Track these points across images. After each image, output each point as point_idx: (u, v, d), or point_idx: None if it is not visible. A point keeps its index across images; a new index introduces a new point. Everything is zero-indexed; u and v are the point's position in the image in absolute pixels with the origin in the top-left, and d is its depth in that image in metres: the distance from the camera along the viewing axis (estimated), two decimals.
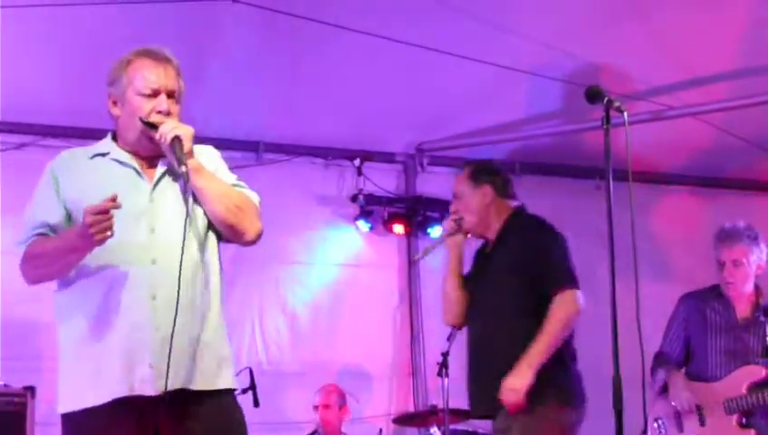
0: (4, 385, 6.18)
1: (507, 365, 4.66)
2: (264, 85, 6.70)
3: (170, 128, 3.39)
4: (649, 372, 5.72)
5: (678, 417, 5.68)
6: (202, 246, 3.45)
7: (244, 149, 7.40)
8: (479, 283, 5.08)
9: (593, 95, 3.69)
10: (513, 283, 4.85)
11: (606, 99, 3.64)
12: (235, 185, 3.58)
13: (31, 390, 6.14)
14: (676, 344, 5.88)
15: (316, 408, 7.02)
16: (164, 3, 5.53)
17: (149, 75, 3.47)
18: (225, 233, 3.50)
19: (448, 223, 5.21)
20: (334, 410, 7.03)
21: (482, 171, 5.15)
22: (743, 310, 5.71)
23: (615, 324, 3.49)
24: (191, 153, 3.41)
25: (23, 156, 7.03)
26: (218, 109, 6.54)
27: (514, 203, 5.16)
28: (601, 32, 6.10)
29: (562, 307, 4.70)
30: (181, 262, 3.29)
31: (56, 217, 3.45)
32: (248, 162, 7.33)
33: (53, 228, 3.45)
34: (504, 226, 5.06)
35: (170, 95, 3.48)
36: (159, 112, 3.45)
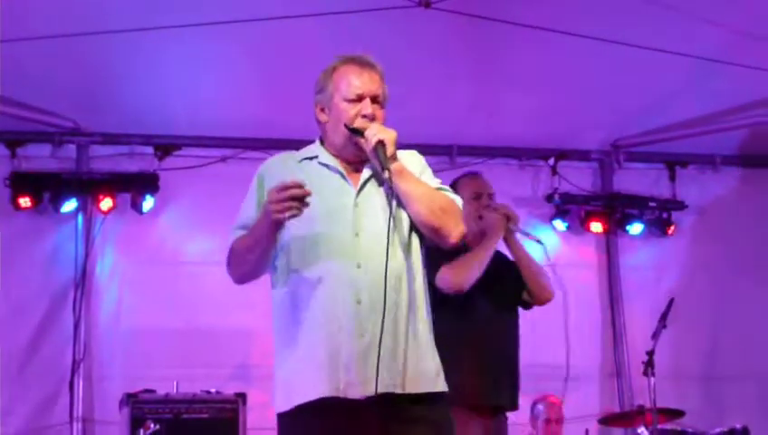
0: (217, 392, 6.37)
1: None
2: (456, 88, 6.73)
3: (374, 132, 3.42)
4: None
5: None
6: (407, 250, 3.47)
7: (438, 154, 7.43)
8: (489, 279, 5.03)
9: None
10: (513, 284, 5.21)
11: None
12: (438, 189, 3.58)
13: (242, 396, 6.31)
14: None
15: (548, 421, 6.85)
16: (359, 12, 5.60)
17: (354, 80, 3.52)
18: (429, 235, 3.50)
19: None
20: (562, 421, 6.91)
21: None
22: None
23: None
24: (394, 157, 3.43)
25: (225, 169, 7.26)
26: (412, 114, 6.58)
27: None
28: None
29: None
30: (386, 266, 3.32)
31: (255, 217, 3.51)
32: (442, 166, 7.36)
33: None
34: None
35: (374, 100, 3.51)
36: (365, 117, 3.49)
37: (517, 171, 7.92)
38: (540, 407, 6.89)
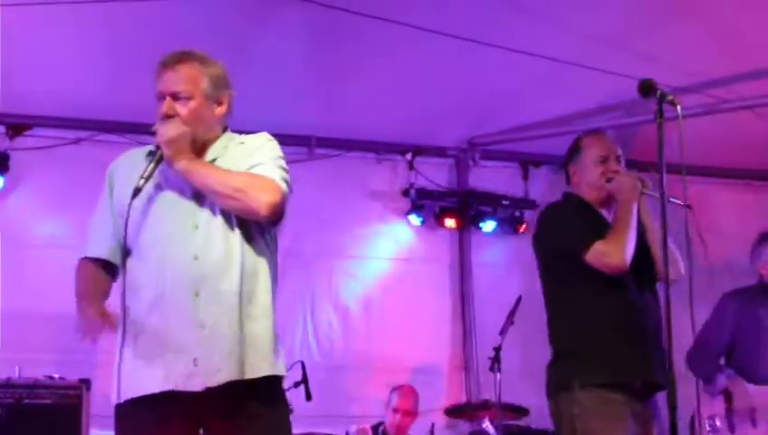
0: (60, 378, 6.25)
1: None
2: (316, 80, 6.72)
3: (158, 136, 3.47)
4: (695, 368, 5.63)
5: (731, 417, 5.63)
6: (246, 235, 3.49)
7: (296, 144, 7.41)
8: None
9: (646, 89, 3.65)
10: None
11: (659, 92, 3.61)
12: (255, 165, 3.54)
13: (86, 382, 6.20)
14: (721, 345, 5.80)
15: (396, 411, 6.87)
16: None
17: (158, 81, 3.57)
18: (243, 217, 3.49)
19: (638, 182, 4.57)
20: (414, 415, 6.95)
21: None
22: None
23: (669, 321, 3.46)
24: (172, 159, 3.44)
25: (79, 151, 7.11)
26: (270, 104, 6.57)
27: None
28: (655, 24, 6.05)
29: None
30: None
31: (107, 242, 3.58)
32: (300, 157, 7.36)
33: (106, 250, 3.59)
34: None
35: (175, 96, 3.53)
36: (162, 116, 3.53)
37: (375, 165, 7.96)
38: (393, 396, 6.93)
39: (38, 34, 6.09)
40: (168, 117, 3.50)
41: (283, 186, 3.51)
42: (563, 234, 4.47)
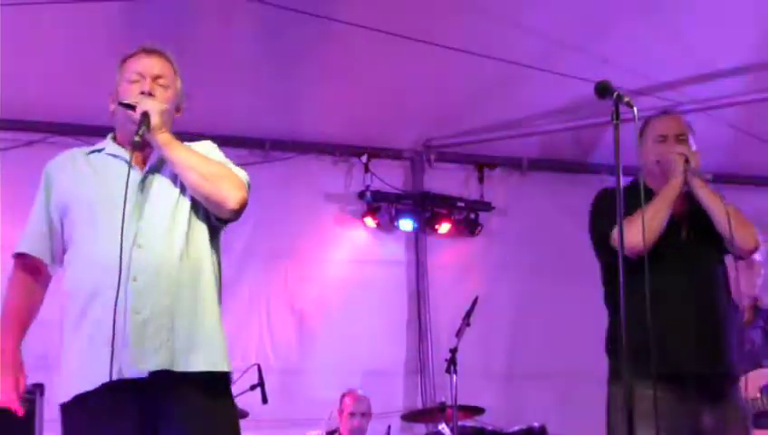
0: None
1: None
2: (271, 83, 6.70)
3: (142, 105, 3.46)
4: None
5: None
6: (190, 230, 3.47)
7: (252, 147, 7.39)
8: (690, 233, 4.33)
9: (603, 90, 3.65)
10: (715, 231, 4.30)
11: (615, 94, 3.61)
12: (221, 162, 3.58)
13: (39, 387, 6.12)
14: None
15: (352, 415, 6.87)
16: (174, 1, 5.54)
17: (136, 64, 3.58)
18: (206, 204, 3.49)
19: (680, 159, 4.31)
20: (368, 416, 6.96)
21: None
22: None
23: (625, 322, 3.46)
24: (159, 128, 3.45)
25: (31, 153, 7.03)
26: (225, 107, 6.54)
27: None
28: (609, 27, 6.10)
29: None
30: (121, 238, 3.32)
31: (40, 240, 3.58)
32: (255, 160, 7.33)
33: (38, 247, 3.58)
34: None
35: (156, 79, 3.56)
36: (142, 93, 3.52)
37: (330, 167, 7.94)
38: (346, 400, 6.93)
39: None
40: (150, 95, 3.51)
41: (247, 188, 3.54)
42: (596, 223, 4.27)
